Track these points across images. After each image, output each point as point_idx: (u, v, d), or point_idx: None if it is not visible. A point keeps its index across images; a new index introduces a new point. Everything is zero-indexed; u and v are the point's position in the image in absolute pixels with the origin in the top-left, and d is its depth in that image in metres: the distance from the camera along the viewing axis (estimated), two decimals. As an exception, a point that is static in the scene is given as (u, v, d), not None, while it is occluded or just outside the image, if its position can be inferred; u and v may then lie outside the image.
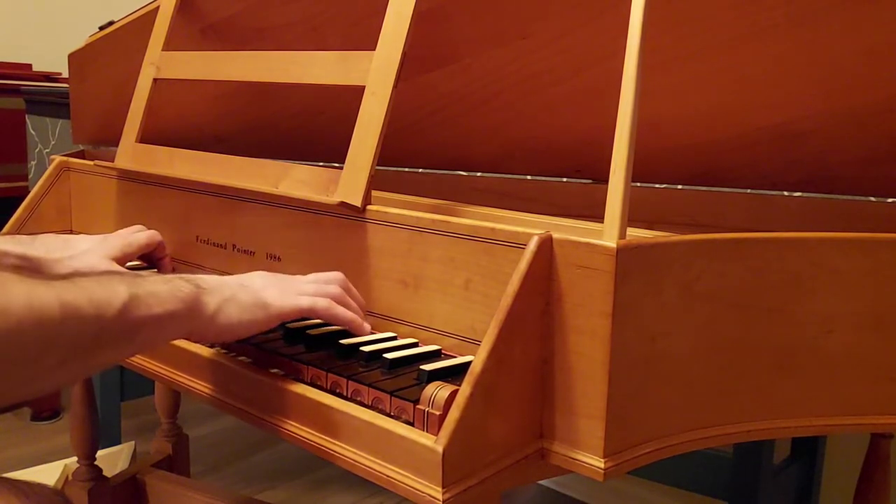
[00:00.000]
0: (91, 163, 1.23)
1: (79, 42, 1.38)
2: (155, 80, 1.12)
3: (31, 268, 0.59)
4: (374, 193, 0.84)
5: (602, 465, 0.64)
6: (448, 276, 0.75)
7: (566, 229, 0.73)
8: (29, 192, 1.26)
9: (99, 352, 0.61)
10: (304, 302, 0.75)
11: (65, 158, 1.28)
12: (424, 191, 1.13)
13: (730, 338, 0.73)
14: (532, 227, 0.69)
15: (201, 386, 0.81)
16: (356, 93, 0.86)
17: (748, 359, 0.74)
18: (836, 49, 0.88)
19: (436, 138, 1.26)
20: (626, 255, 0.63)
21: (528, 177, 1.27)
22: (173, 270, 1.05)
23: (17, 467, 1.79)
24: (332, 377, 0.70)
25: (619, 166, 0.65)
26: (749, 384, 0.75)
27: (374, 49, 0.86)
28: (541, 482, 2.03)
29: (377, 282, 0.82)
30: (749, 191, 1.10)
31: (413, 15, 0.84)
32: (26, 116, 2.06)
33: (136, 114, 1.13)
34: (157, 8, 1.16)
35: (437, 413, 0.61)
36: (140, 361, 0.89)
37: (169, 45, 1.13)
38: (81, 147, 1.47)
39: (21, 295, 0.54)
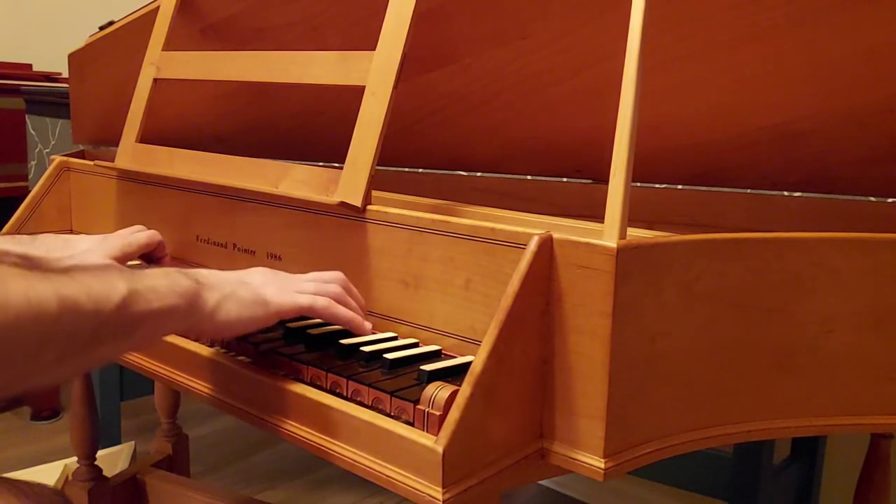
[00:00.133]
0: (91, 163, 1.23)
1: (79, 42, 1.38)
2: (155, 80, 1.12)
3: (29, 263, 0.59)
4: (374, 193, 0.84)
5: (602, 466, 0.64)
6: (448, 276, 0.75)
7: (566, 229, 0.73)
8: (29, 192, 1.26)
9: (97, 346, 0.60)
10: (304, 300, 0.75)
11: (65, 158, 1.28)
12: (424, 191, 1.13)
13: (730, 338, 0.73)
14: (532, 227, 0.69)
15: (201, 386, 0.81)
16: (356, 93, 0.86)
17: (748, 359, 0.74)
18: (836, 49, 0.88)
19: (436, 138, 1.26)
20: (626, 255, 0.63)
21: (528, 177, 1.27)
22: None
23: (17, 467, 1.79)
24: (332, 377, 0.70)
25: (619, 166, 0.65)
26: (749, 384, 0.75)
27: (374, 49, 0.86)
28: (541, 482, 2.03)
29: (377, 282, 0.82)
30: (749, 191, 1.10)
31: (413, 15, 0.84)
32: (26, 116, 2.06)
33: (136, 114, 1.13)
34: (157, 8, 1.16)
35: (438, 413, 0.61)
36: (140, 361, 0.89)
37: (169, 45, 1.13)
38: (81, 147, 1.47)
39: (19, 289, 0.54)
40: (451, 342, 0.75)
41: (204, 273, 0.72)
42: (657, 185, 1.16)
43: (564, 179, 1.24)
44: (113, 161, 1.14)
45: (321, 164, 1.06)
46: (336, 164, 0.89)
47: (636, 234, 0.67)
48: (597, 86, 0.99)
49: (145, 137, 1.12)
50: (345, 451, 0.66)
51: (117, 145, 1.14)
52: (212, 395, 0.80)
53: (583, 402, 0.65)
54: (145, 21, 1.19)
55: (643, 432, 0.69)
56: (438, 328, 0.76)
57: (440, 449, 0.58)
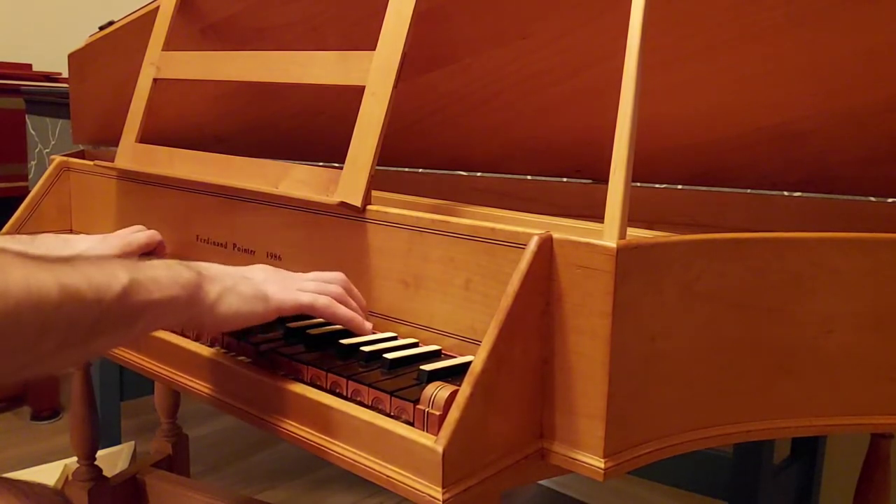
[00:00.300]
0: (91, 163, 1.23)
1: (79, 42, 1.38)
2: (155, 80, 1.12)
3: (30, 254, 0.59)
4: (374, 193, 0.84)
5: (602, 465, 0.64)
6: (448, 276, 0.75)
7: (566, 229, 0.73)
8: (29, 192, 1.26)
9: (98, 336, 0.60)
10: (305, 298, 0.75)
11: (65, 158, 1.28)
12: (424, 191, 1.13)
13: (730, 338, 0.73)
14: (532, 227, 0.69)
15: (201, 386, 0.81)
16: (356, 93, 0.86)
17: (748, 359, 0.74)
18: (836, 49, 0.88)
19: (436, 138, 1.26)
20: (626, 255, 0.63)
21: (528, 177, 1.27)
22: None
23: (17, 467, 1.79)
24: (331, 377, 0.70)
25: (619, 166, 0.65)
26: (749, 384, 0.75)
27: (374, 49, 0.86)
28: (541, 482, 2.03)
29: (377, 282, 0.82)
30: (749, 191, 1.10)
31: (413, 15, 0.84)
32: (26, 116, 2.06)
33: (136, 114, 1.13)
34: (157, 8, 1.16)
35: (437, 413, 0.61)
36: (140, 361, 0.89)
37: (169, 45, 1.13)
38: (81, 147, 1.47)
39: (20, 278, 0.54)
40: (451, 342, 0.75)
41: (206, 266, 0.72)
42: (657, 185, 1.16)
43: (564, 179, 1.24)
44: (113, 161, 1.14)
45: (321, 164, 1.06)
46: (336, 164, 0.89)
47: (636, 234, 0.67)
48: (597, 86, 0.99)
49: (145, 137, 1.12)
50: (345, 451, 0.66)
51: (117, 145, 1.14)
52: (212, 395, 0.80)
53: (583, 402, 0.65)
54: (145, 21, 1.19)
55: (643, 432, 0.69)
56: (438, 328, 0.76)
57: (440, 449, 0.58)
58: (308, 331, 0.79)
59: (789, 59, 0.90)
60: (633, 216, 0.66)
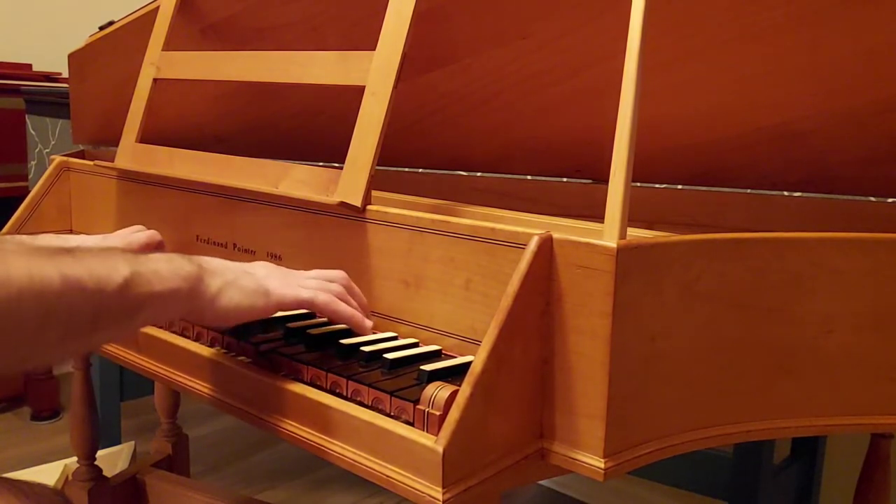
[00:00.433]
0: (91, 163, 1.23)
1: (79, 42, 1.38)
2: (155, 80, 1.12)
3: (33, 245, 0.59)
4: (374, 193, 0.84)
5: (602, 465, 0.64)
6: (448, 276, 0.75)
7: (566, 229, 0.73)
8: (29, 192, 1.26)
9: (99, 327, 0.61)
10: (305, 294, 0.75)
11: (65, 158, 1.28)
12: (424, 191, 1.13)
13: (730, 338, 0.73)
14: (532, 227, 0.69)
15: (201, 386, 0.81)
16: (356, 93, 0.86)
17: (748, 359, 0.74)
18: (836, 49, 0.88)
19: (436, 138, 1.26)
20: (626, 255, 0.63)
21: (528, 177, 1.27)
22: None
23: (17, 467, 1.79)
24: (331, 377, 0.70)
25: (619, 166, 0.65)
26: (749, 384, 0.75)
27: (374, 49, 0.86)
28: (541, 482, 2.03)
29: (378, 282, 0.82)
30: (749, 191, 1.10)
31: (413, 15, 0.84)
32: (26, 116, 2.06)
33: (136, 114, 1.13)
34: (157, 8, 1.16)
35: (438, 413, 0.61)
36: (140, 361, 0.89)
37: (169, 45, 1.13)
38: (81, 147, 1.47)
39: (22, 267, 0.54)
40: (451, 342, 0.75)
41: (207, 260, 0.72)
42: (657, 185, 1.16)
43: (564, 179, 1.24)
44: (113, 161, 1.14)
45: (321, 164, 1.06)
46: (336, 164, 0.89)
47: (636, 234, 0.67)
48: (597, 86, 0.99)
49: (145, 137, 1.12)
50: (345, 450, 0.66)
51: (117, 145, 1.14)
52: (212, 395, 0.80)
53: (583, 402, 0.65)
54: (145, 21, 1.19)
55: (643, 432, 0.69)
56: (438, 328, 0.76)
57: (440, 449, 0.58)
58: (308, 331, 0.79)
59: (789, 59, 0.90)
60: (633, 216, 0.66)
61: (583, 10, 0.93)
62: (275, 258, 0.94)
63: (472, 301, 0.73)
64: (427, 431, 0.61)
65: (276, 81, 0.98)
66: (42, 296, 0.55)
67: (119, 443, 1.95)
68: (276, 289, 0.74)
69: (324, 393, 0.69)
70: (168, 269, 0.66)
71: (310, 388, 0.70)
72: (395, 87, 0.83)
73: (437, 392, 0.62)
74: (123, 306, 0.62)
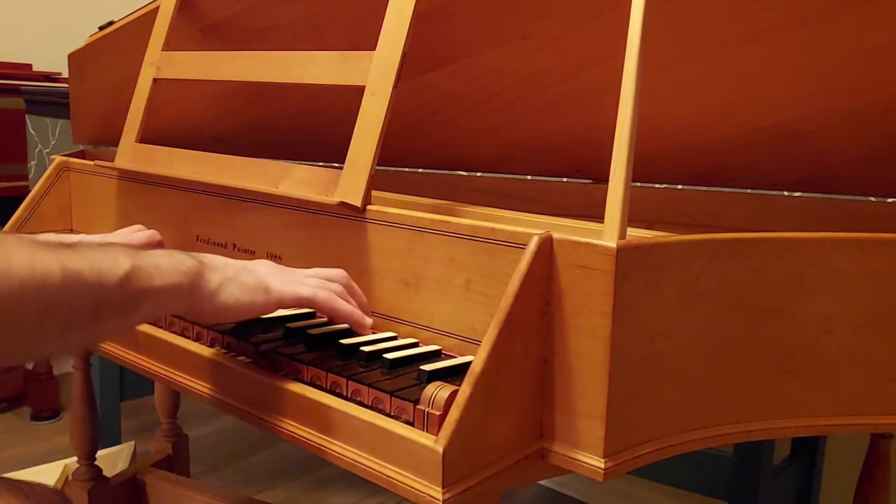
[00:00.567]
0: (91, 163, 1.23)
1: (79, 42, 1.38)
2: (155, 80, 1.12)
3: (34, 238, 0.60)
4: (374, 193, 0.84)
5: (602, 465, 0.64)
6: (448, 276, 0.75)
7: (566, 229, 0.73)
8: (29, 192, 1.26)
9: (99, 320, 0.61)
10: (305, 291, 0.75)
11: (65, 158, 1.28)
12: (424, 191, 1.13)
13: (730, 338, 0.73)
14: (532, 227, 0.69)
15: (201, 386, 0.81)
16: (356, 93, 0.86)
17: (748, 359, 0.74)
18: (836, 49, 0.88)
19: (436, 138, 1.26)
20: (626, 255, 0.63)
21: (528, 177, 1.27)
22: None
23: (17, 467, 1.79)
24: (331, 377, 0.70)
25: (619, 166, 0.65)
26: (749, 384, 0.75)
27: (374, 49, 0.86)
28: (541, 482, 2.03)
29: (377, 282, 0.82)
30: (749, 191, 1.10)
31: (413, 15, 0.84)
32: (26, 116, 2.06)
33: (136, 114, 1.13)
34: (157, 8, 1.16)
35: (437, 413, 0.61)
36: (140, 361, 0.89)
37: (169, 45, 1.13)
38: (81, 147, 1.47)
39: (24, 258, 0.55)
40: (451, 342, 0.75)
41: (208, 256, 0.72)
42: (657, 185, 1.16)
43: (564, 179, 1.24)
44: (113, 161, 1.14)
45: (321, 164, 1.06)
46: (336, 164, 0.89)
47: (636, 234, 0.67)
48: (597, 86, 0.99)
49: (145, 137, 1.12)
50: (344, 450, 0.66)
51: (117, 145, 1.14)
52: (212, 395, 0.80)
53: (583, 402, 0.65)
54: (145, 21, 1.19)
55: (643, 432, 0.69)
56: (438, 328, 0.76)
57: (440, 449, 0.58)
58: (308, 331, 0.79)
59: (789, 59, 0.90)
60: (633, 216, 0.66)
61: (583, 10, 0.93)
62: (275, 258, 0.94)
63: (472, 301, 0.73)
64: (427, 431, 0.61)
65: (276, 81, 0.98)
66: (43, 288, 0.55)
67: (119, 443, 1.95)
68: (277, 286, 0.74)
69: (324, 393, 0.69)
70: (169, 263, 0.66)
71: (310, 388, 0.70)
72: (395, 87, 0.83)
73: (437, 392, 0.62)
74: (124, 300, 0.62)
